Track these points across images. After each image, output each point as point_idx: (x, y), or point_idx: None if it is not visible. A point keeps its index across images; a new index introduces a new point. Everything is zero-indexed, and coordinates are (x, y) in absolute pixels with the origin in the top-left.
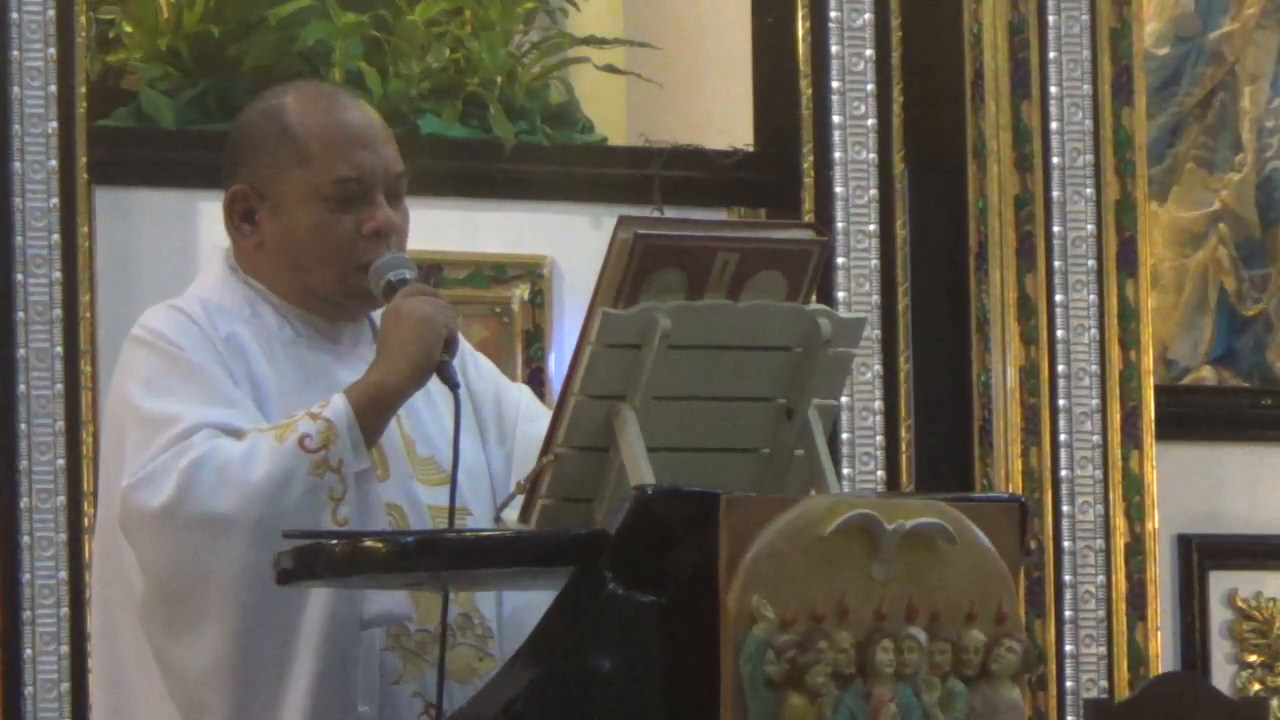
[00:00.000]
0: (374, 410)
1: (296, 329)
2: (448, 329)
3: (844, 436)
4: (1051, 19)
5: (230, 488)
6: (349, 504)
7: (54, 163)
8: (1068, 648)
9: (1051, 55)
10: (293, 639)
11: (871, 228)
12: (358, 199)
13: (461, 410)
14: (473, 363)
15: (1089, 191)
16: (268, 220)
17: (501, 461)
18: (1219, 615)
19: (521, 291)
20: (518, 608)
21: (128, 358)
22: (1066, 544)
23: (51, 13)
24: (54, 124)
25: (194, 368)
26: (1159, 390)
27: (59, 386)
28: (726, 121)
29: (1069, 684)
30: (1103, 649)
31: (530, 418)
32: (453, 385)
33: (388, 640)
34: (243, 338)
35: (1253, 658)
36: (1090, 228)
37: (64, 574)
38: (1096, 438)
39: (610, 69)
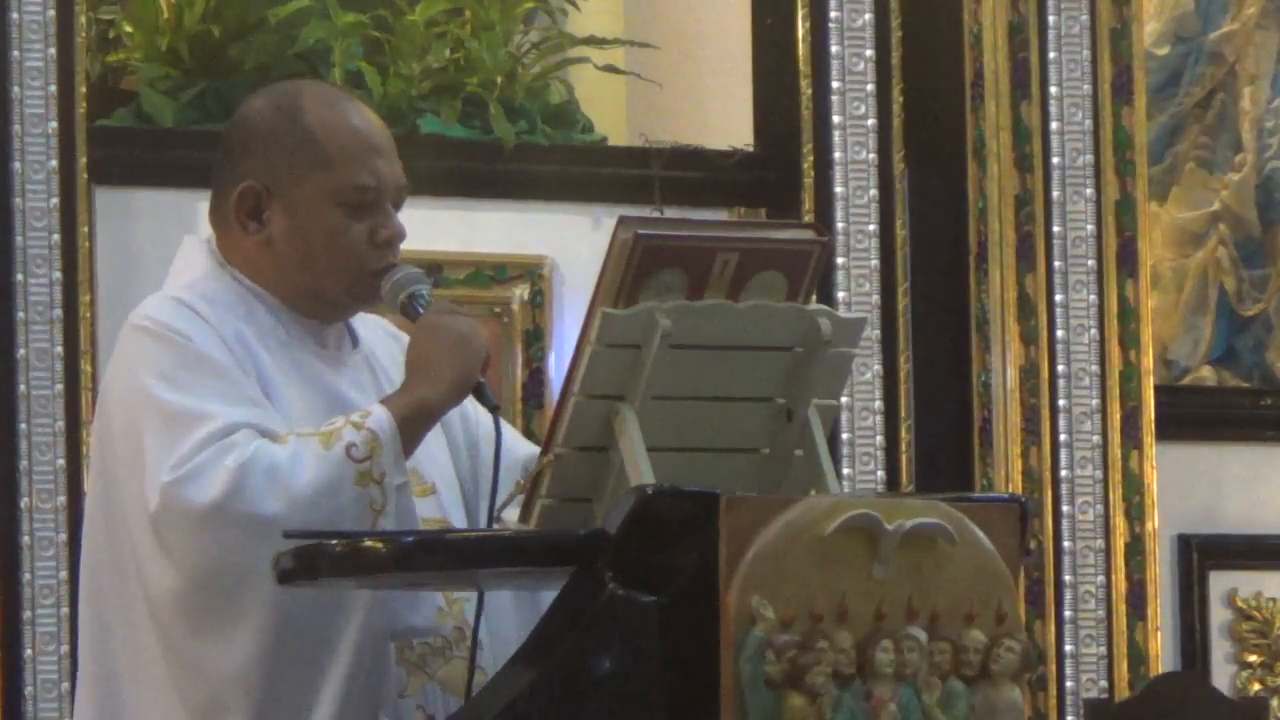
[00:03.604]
0: (414, 426)
1: (290, 330)
2: (485, 349)
3: (844, 436)
4: (1051, 19)
5: (278, 491)
6: (389, 516)
7: (54, 163)
8: (1068, 648)
9: (1051, 55)
10: (326, 645)
11: (871, 228)
12: (371, 207)
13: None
14: None
15: (1089, 191)
16: (278, 219)
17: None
18: (1219, 615)
19: (521, 291)
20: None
21: (133, 348)
22: (1066, 544)
23: (51, 13)
24: (54, 124)
25: (210, 362)
26: (1159, 390)
27: (59, 386)
28: (726, 121)
29: (1069, 684)
30: (1103, 649)
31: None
32: (492, 407)
33: (392, 652)
34: (248, 336)
35: (1253, 658)
36: (1090, 228)
37: (64, 574)
38: (1096, 438)
39: (610, 69)
